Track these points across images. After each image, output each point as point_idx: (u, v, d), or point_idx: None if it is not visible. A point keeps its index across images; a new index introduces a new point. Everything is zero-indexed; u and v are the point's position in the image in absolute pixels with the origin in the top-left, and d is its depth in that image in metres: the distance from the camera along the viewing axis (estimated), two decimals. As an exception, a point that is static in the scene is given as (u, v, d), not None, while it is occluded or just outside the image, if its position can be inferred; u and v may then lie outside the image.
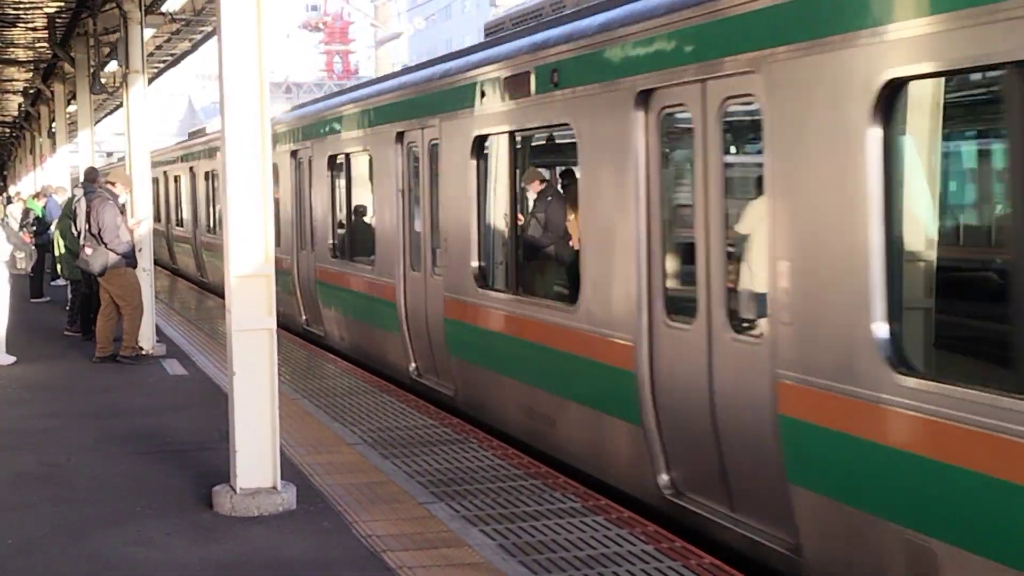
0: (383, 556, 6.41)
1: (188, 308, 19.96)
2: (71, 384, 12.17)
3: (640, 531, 6.82)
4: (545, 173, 10.37)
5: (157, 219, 29.39)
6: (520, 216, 9.90)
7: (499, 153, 10.00)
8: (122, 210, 13.70)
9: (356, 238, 14.26)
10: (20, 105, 36.27)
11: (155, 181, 29.54)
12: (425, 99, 11.29)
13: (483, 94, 9.88)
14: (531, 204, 10.03)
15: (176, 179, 27.72)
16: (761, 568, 6.48)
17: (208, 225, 23.37)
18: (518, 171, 9.90)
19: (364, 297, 13.37)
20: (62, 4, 18.68)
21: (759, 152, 6.46)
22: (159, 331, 14.89)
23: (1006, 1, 4.69)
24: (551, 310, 8.91)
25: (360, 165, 14.21)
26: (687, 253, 7.19)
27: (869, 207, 5.49)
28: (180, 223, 27.38)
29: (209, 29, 21.18)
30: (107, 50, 19.31)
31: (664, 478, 7.43)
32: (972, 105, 6.04)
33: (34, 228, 20.92)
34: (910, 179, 5.58)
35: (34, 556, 6.56)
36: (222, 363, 11.86)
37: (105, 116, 39.38)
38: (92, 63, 19.14)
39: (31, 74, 27.98)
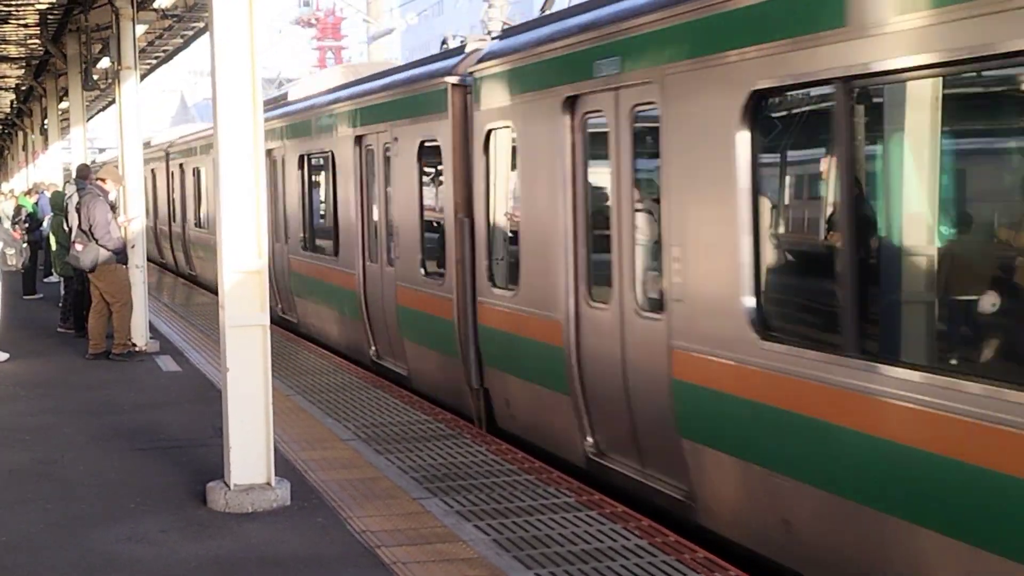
0: (377, 552, 6.42)
1: (182, 304, 19.94)
2: (65, 381, 12.16)
3: (634, 526, 6.83)
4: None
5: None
6: None
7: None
8: (113, 207, 13.70)
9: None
10: (12, 102, 36.21)
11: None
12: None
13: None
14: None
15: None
16: (760, 564, 6.48)
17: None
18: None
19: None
20: (54, 0, 18.65)
21: None
22: (153, 327, 14.88)
23: None
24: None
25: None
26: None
27: None
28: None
29: (201, 25, 21.16)
30: (99, 46, 19.31)
31: None
32: None
33: (26, 225, 20.90)
34: None
35: (28, 553, 6.56)
36: (216, 359, 11.85)
37: (97, 112, 39.32)
38: (84, 59, 19.14)
39: (23, 71, 27.93)
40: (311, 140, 15.01)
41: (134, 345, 13.63)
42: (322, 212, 15.12)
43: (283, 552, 6.50)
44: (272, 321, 7.25)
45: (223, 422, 7.42)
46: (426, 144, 11.11)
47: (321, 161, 14.92)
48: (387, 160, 12.16)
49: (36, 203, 22.09)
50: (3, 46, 23.90)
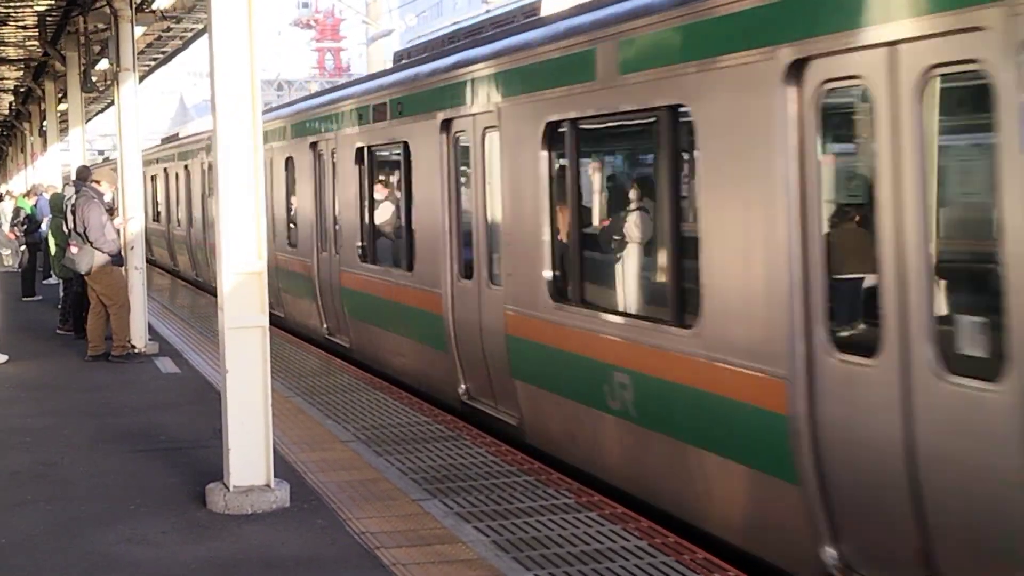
0: (377, 553, 6.42)
1: (181, 306, 19.94)
2: (64, 383, 12.16)
3: (633, 527, 6.83)
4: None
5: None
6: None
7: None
8: (109, 208, 13.68)
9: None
10: (11, 104, 36.24)
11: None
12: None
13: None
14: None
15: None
16: (760, 566, 6.50)
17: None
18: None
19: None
20: (52, 2, 18.64)
21: None
22: (152, 329, 14.88)
23: None
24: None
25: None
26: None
27: None
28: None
29: (200, 27, 21.16)
30: (98, 48, 19.31)
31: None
32: None
33: (24, 226, 20.91)
34: None
35: (29, 555, 6.56)
36: (215, 361, 11.84)
37: (97, 114, 39.33)
38: (83, 61, 19.14)
39: (22, 72, 27.94)
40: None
41: (133, 347, 13.62)
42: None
43: (283, 553, 6.50)
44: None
45: (222, 424, 7.41)
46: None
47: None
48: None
49: (35, 205, 22.10)
50: (1, 48, 23.91)
